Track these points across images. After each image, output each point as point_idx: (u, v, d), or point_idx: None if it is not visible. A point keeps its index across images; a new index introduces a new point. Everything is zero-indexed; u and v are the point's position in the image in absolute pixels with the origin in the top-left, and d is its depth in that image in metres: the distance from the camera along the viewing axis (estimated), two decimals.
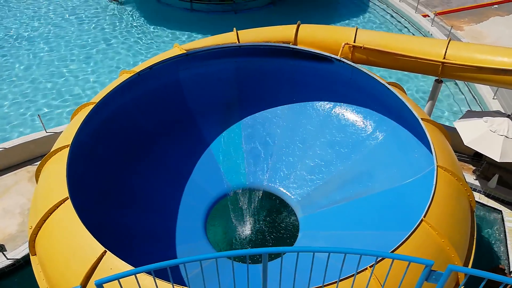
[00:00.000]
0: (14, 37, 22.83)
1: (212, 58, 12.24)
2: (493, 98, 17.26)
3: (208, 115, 12.67)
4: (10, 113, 17.74)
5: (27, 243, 7.96)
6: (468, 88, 19.18)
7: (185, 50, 11.67)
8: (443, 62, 11.27)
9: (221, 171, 12.16)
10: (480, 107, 17.79)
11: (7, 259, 11.27)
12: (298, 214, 11.37)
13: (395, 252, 6.69)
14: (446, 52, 11.20)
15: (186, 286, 5.86)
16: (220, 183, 11.94)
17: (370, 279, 4.55)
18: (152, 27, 24.27)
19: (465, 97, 18.85)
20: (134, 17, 25.13)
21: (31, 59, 21.09)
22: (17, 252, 11.49)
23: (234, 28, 12.35)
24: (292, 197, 11.68)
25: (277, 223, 12.03)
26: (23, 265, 11.33)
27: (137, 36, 23.39)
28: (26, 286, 10.81)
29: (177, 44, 11.97)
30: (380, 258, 6.27)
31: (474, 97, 18.64)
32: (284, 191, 11.85)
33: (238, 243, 11.61)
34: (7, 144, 13.93)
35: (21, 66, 20.60)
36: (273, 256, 9.58)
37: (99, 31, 23.69)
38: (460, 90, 19.34)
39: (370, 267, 6.26)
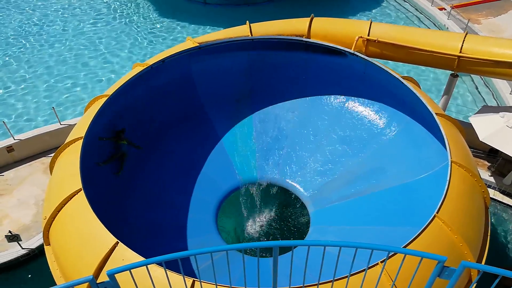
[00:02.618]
0: (32, 30, 23.14)
1: (224, 51, 12.22)
2: (510, 93, 16.92)
3: (219, 109, 12.67)
4: (29, 104, 18.01)
5: (41, 233, 8.07)
6: (484, 82, 18.84)
7: (198, 43, 11.66)
8: (459, 56, 11.08)
9: (232, 164, 12.18)
10: (497, 102, 17.47)
11: (22, 248, 11.48)
12: (309, 209, 11.34)
13: (407, 248, 6.62)
14: (462, 45, 11.00)
15: (196, 278, 5.90)
16: (231, 176, 11.95)
17: (381, 274, 4.51)
18: (165, 20, 24.32)
19: (481, 92, 18.52)
20: (148, 10, 25.21)
21: (47, 53, 21.34)
22: (32, 242, 11.69)
23: (247, 21, 12.30)
24: (304, 191, 11.65)
25: (288, 217, 12.02)
26: (37, 255, 11.53)
27: (151, 29, 23.47)
28: (40, 276, 11.02)
29: (190, 37, 11.97)
30: (392, 253, 6.23)
31: (490, 91, 18.31)
32: (296, 185, 11.82)
33: (248, 236, 11.63)
34: (23, 136, 14.15)
35: (39, 59, 20.88)
36: (283, 250, 9.58)
37: (112, 24, 23.83)
38: (475, 84, 19.00)
39: (381, 262, 6.22)
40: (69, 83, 19.29)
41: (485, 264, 7.68)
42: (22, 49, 21.55)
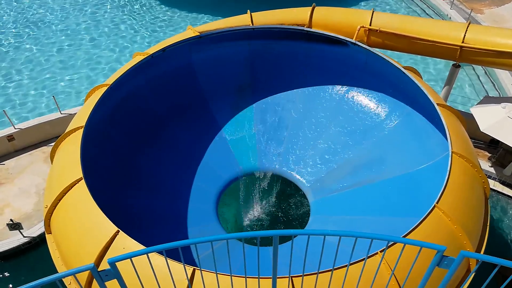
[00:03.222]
0: (32, 18, 23.00)
1: (225, 40, 12.14)
2: None
3: (220, 98, 12.63)
4: (28, 93, 17.97)
5: (43, 221, 8.12)
6: (486, 73, 18.74)
7: (199, 32, 11.59)
8: (461, 46, 11.01)
9: (233, 154, 12.18)
10: (498, 93, 17.40)
11: (24, 237, 11.56)
12: (309, 198, 11.38)
13: (406, 237, 6.65)
14: (465, 35, 10.92)
15: (197, 266, 5.94)
16: (232, 166, 11.97)
17: (381, 264, 4.53)
18: (166, 9, 24.14)
19: (483, 83, 18.44)
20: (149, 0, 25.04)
21: (48, 42, 21.23)
22: (33, 230, 11.76)
23: (248, 10, 12.21)
24: (304, 181, 11.66)
25: (288, 206, 12.06)
26: (38, 243, 11.62)
27: (151, 18, 23.31)
28: (42, 263, 11.11)
29: (191, 26, 11.89)
30: (392, 243, 6.26)
31: (492, 82, 18.22)
32: (296, 175, 11.83)
33: (249, 225, 11.69)
34: (23, 125, 14.15)
35: (40, 48, 20.78)
36: (283, 239, 9.63)
37: (112, 13, 23.66)
38: (478, 75, 18.91)
39: (380, 251, 6.25)
40: (70, 72, 19.22)
41: (484, 254, 7.72)
42: (22, 38, 21.45)
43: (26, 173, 13.44)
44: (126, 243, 6.62)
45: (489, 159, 13.55)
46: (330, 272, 4.59)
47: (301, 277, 5.60)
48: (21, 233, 11.50)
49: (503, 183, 13.02)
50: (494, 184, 12.97)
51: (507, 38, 10.60)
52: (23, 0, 24.72)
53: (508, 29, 11.04)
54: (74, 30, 22.11)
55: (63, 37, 21.53)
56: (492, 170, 13.20)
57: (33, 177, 13.31)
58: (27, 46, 20.87)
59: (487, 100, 12.71)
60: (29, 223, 11.96)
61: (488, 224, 8.26)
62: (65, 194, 7.66)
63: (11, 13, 23.53)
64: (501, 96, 16.80)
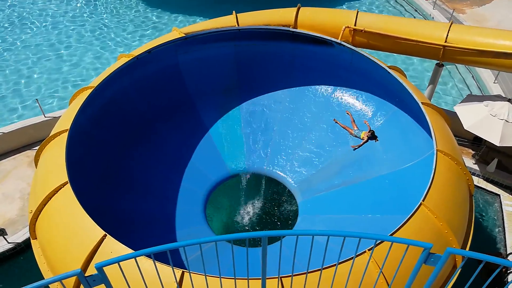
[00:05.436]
0: (14, 17, 22.61)
1: (211, 41, 12.12)
2: (494, 82, 17.15)
3: (207, 99, 12.60)
4: (8, 96, 17.65)
5: (28, 227, 7.98)
6: (469, 72, 19.05)
7: (184, 33, 11.54)
8: (444, 46, 11.17)
9: (220, 155, 12.16)
10: (481, 91, 17.70)
11: (8, 243, 11.35)
12: (297, 198, 11.41)
13: (394, 235, 6.72)
14: (447, 35, 11.08)
15: (186, 269, 5.91)
16: (220, 167, 11.94)
17: (369, 262, 4.57)
18: (150, 10, 23.97)
19: (466, 81, 18.74)
20: (134, 1, 24.79)
21: (30, 45, 20.89)
22: (18, 236, 11.55)
23: (234, 11, 12.20)
24: (292, 181, 11.70)
25: (276, 207, 12.08)
26: (24, 249, 11.41)
27: (135, 19, 23.12)
28: (27, 270, 10.92)
29: (176, 28, 11.84)
30: (379, 241, 6.31)
31: (475, 81, 18.54)
32: (284, 175, 11.86)
33: (237, 226, 11.67)
34: (6, 129, 13.87)
35: (18, 49, 20.43)
36: (272, 240, 9.66)
37: (95, 13, 23.40)
38: (460, 74, 19.21)
39: (368, 250, 6.30)
40: (54, 75, 18.93)
41: (469, 250, 7.85)
42: (2, 39, 21.07)
43: (9, 178, 13.19)
44: (114, 247, 6.55)
45: (473, 156, 13.77)
46: (319, 272, 4.61)
47: (290, 277, 5.62)
48: (5, 239, 11.29)
49: (486, 179, 13.25)
50: (478, 181, 13.19)
51: (488, 37, 10.79)
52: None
53: (489, 29, 11.25)
54: (57, 33, 21.78)
55: (47, 39, 21.19)
56: (476, 167, 13.42)
57: (17, 181, 13.07)
58: (7, 48, 20.48)
59: (470, 98, 12.92)
60: (14, 228, 11.75)
61: (473, 220, 8.39)
62: (51, 198, 7.54)
63: None
64: (483, 94, 17.10)
